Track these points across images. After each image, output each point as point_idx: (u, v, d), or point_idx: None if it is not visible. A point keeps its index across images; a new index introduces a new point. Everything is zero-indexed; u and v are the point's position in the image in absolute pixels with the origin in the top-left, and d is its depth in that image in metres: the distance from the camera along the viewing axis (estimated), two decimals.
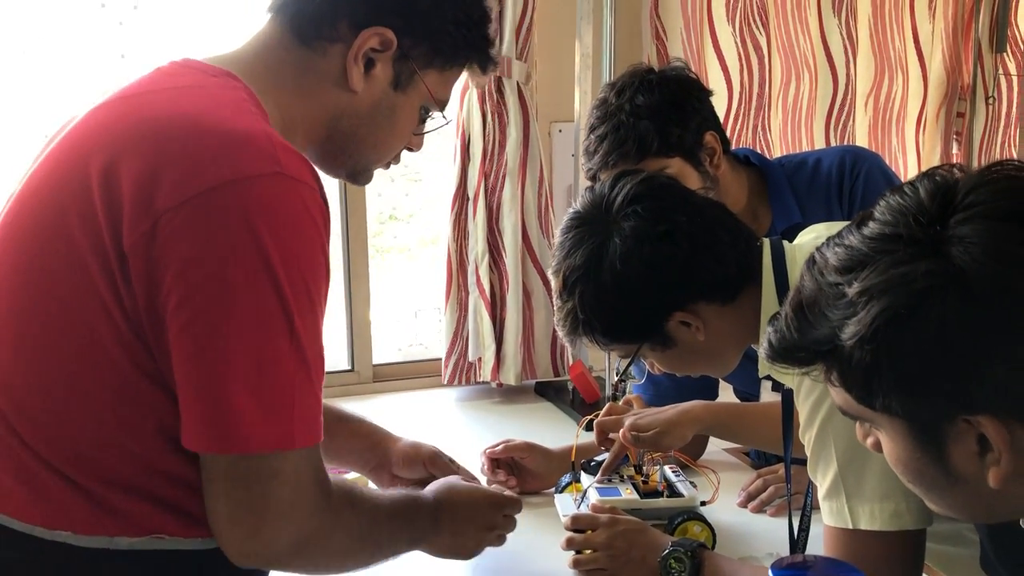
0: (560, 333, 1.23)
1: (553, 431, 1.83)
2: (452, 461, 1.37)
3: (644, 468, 1.38)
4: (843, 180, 1.56)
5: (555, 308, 1.22)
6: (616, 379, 2.04)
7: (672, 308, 1.15)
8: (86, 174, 0.87)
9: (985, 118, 2.63)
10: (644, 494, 1.33)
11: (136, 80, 0.99)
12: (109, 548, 0.87)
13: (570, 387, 2.11)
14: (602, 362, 2.24)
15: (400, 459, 1.34)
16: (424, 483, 1.23)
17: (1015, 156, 2.70)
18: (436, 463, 1.35)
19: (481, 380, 2.17)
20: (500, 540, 1.21)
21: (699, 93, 1.55)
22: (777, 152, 2.40)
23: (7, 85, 1.89)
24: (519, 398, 2.17)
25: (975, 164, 2.68)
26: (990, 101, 2.63)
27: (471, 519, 1.17)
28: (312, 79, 1.00)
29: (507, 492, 1.30)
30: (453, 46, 1.04)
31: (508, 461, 1.55)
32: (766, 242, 1.22)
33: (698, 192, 1.35)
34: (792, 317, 0.76)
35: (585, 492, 1.34)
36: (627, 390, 2.02)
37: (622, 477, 1.38)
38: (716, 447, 1.74)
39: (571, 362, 2.19)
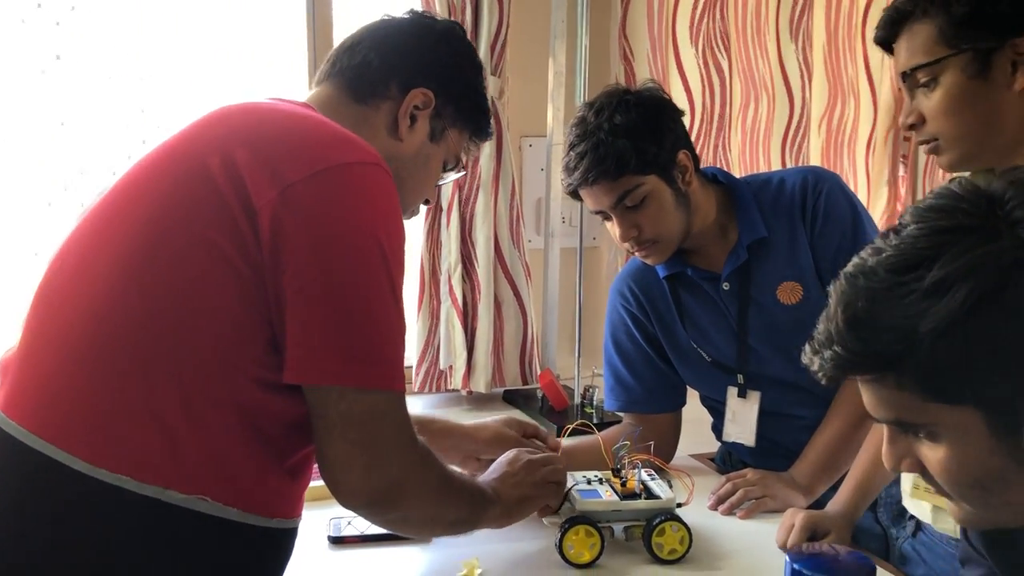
0: None
1: None
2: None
3: (622, 471, 1.44)
4: (806, 198, 1.64)
5: None
6: (585, 388, 2.12)
7: None
8: (204, 163, 1.00)
9: None
10: (623, 496, 1.39)
11: (231, 104, 1.13)
12: (160, 499, 0.93)
13: (539, 395, 2.17)
14: (569, 371, 2.31)
15: (486, 442, 1.53)
16: None
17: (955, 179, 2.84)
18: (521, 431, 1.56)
19: (452, 388, 2.22)
20: (556, 472, 1.38)
21: (673, 113, 1.63)
22: (736, 171, 2.49)
23: None
24: (488, 405, 2.22)
25: (920, 185, 2.82)
26: None
27: (508, 467, 1.34)
28: (367, 130, 1.16)
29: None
30: (470, 109, 1.27)
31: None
32: None
33: None
34: (847, 331, 0.76)
35: (567, 494, 1.40)
36: (594, 398, 2.10)
37: (600, 480, 1.44)
38: (683, 452, 1.81)
39: (540, 371, 2.25)
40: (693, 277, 1.68)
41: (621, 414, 1.84)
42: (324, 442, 1.00)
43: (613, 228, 1.63)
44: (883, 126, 2.70)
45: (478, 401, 2.24)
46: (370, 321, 1.00)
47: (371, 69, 1.19)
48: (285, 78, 2.15)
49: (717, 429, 1.82)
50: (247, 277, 0.97)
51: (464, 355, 2.18)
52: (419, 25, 1.25)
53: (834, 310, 0.79)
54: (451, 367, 2.20)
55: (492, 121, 1.33)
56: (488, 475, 1.33)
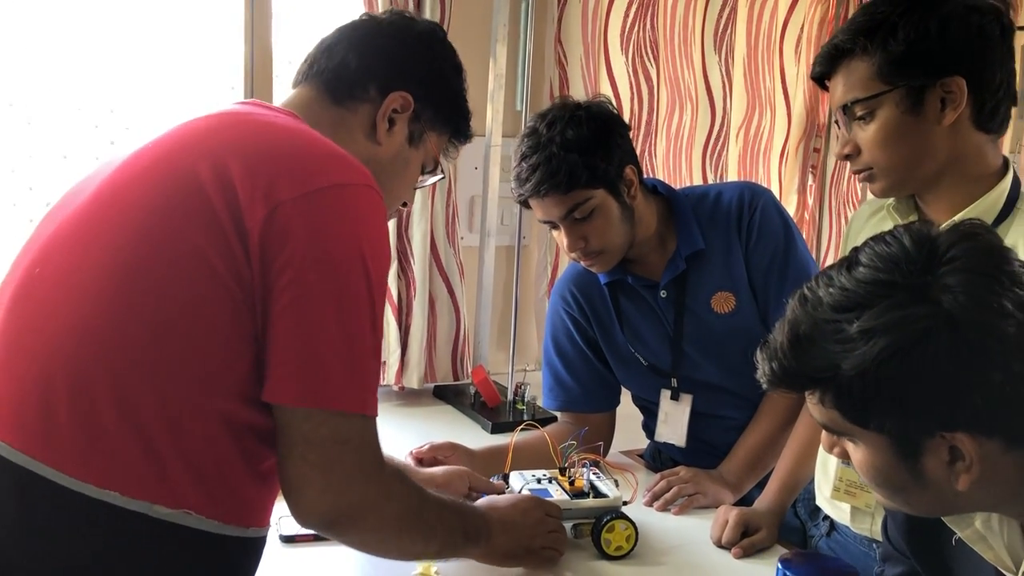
0: None
1: (456, 432, 1.92)
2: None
3: (569, 471, 1.50)
4: (742, 213, 1.73)
5: None
6: (517, 385, 2.17)
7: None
8: (196, 177, 0.98)
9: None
10: (573, 495, 1.45)
11: (216, 111, 1.12)
12: (147, 514, 0.93)
13: (472, 391, 2.21)
14: (499, 367, 2.36)
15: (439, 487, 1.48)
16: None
17: (858, 188, 3.02)
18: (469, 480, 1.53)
19: (384, 384, 2.23)
20: (557, 539, 1.36)
21: (621, 129, 1.68)
22: (660, 176, 2.58)
23: None
24: (419, 401, 2.25)
25: (827, 193, 2.98)
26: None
27: (517, 516, 1.32)
28: (344, 133, 1.16)
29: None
30: (449, 112, 1.26)
31: (431, 461, 1.63)
32: None
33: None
34: (789, 349, 0.87)
35: (519, 493, 1.44)
36: (526, 394, 2.16)
37: (550, 480, 1.49)
38: (614, 449, 1.88)
39: (472, 367, 2.29)
40: (633, 285, 1.75)
41: (558, 413, 1.90)
42: (284, 460, 1.00)
43: (561, 237, 1.68)
44: (795, 137, 2.84)
45: (409, 397, 2.26)
46: (346, 345, 0.99)
47: (349, 71, 1.18)
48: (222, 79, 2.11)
49: (648, 428, 1.91)
50: (236, 295, 0.96)
51: (398, 351, 2.20)
52: (399, 26, 1.23)
53: (784, 325, 0.91)
54: (384, 363, 2.21)
55: (471, 121, 1.30)
56: (493, 510, 1.30)
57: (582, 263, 1.71)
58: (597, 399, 1.84)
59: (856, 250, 0.91)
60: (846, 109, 1.31)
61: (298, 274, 0.96)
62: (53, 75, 1.90)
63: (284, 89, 1.24)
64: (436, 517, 1.15)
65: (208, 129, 1.06)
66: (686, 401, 1.77)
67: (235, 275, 0.96)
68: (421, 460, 1.63)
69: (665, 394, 1.79)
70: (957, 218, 1.28)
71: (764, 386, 0.92)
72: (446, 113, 1.25)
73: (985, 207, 1.29)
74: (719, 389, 1.74)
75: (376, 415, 1.04)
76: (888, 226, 1.41)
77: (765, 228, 1.71)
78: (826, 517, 1.61)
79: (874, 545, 1.47)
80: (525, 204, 1.68)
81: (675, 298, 1.73)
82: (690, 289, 1.72)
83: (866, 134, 1.30)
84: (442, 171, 1.31)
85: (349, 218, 1.00)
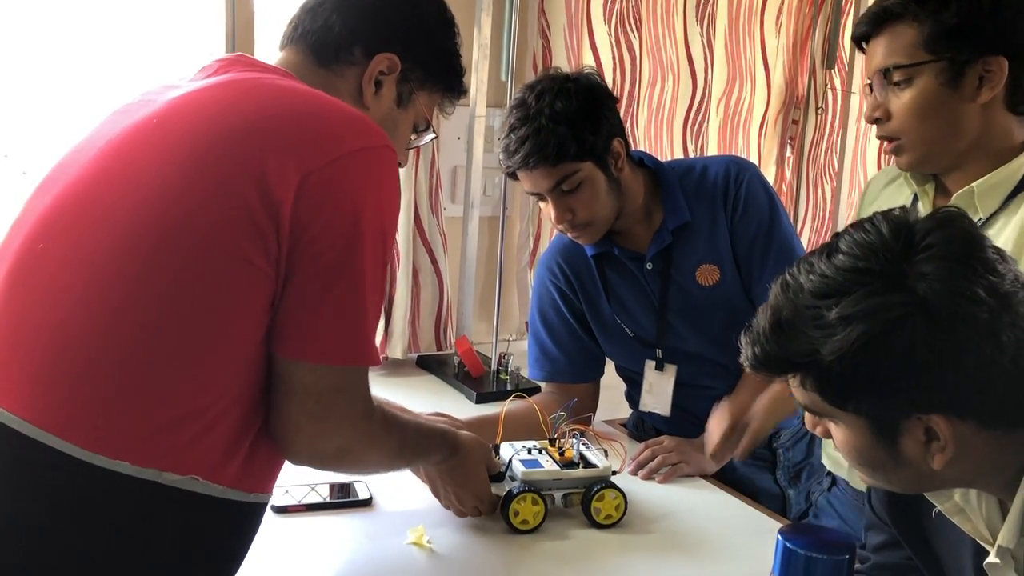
0: None
1: (440, 402, 1.95)
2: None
3: (558, 442, 1.52)
4: (728, 187, 1.74)
5: None
6: (501, 355, 2.19)
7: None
8: (219, 149, 0.98)
9: (815, 126, 2.96)
10: (563, 465, 1.47)
11: (222, 79, 1.10)
12: (157, 481, 0.94)
13: (456, 360, 2.22)
14: (481, 338, 2.37)
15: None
16: None
17: (835, 161, 3.05)
18: None
19: None
20: (475, 511, 1.43)
21: (609, 102, 1.69)
22: (642, 147, 2.60)
23: None
24: (402, 371, 2.26)
25: (805, 165, 3.01)
26: (819, 111, 2.96)
27: (470, 475, 1.40)
28: (333, 96, 1.11)
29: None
30: (440, 70, 1.23)
31: None
32: None
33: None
34: (770, 333, 0.90)
35: (509, 463, 1.47)
36: (508, 365, 2.18)
37: (540, 450, 1.52)
38: (597, 419, 1.91)
39: (455, 338, 2.30)
40: (619, 257, 1.77)
41: (542, 384, 1.92)
42: (280, 405, 1.02)
43: (548, 209, 1.68)
44: (774, 109, 2.87)
45: (393, 367, 2.27)
46: (357, 303, 1.02)
47: (333, 34, 1.16)
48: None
49: (631, 398, 1.93)
50: (261, 268, 0.97)
51: (382, 321, 2.20)
52: None
53: (767, 310, 0.93)
54: None
55: (464, 76, 1.28)
56: (466, 448, 1.38)
57: (569, 235, 1.73)
58: (582, 370, 1.87)
59: (837, 236, 0.93)
60: (885, 73, 1.31)
61: (327, 243, 0.99)
62: (29, 46, 1.87)
63: (265, 56, 1.21)
64: (412, 451, 1.27)
65: (223, 101, 1.05)
66: (670, 371, 1.79)
67: (263, 250, 0.97)
68: None
69: (650, 365, 1.81)
70: (975, 184, 1.30)
71: (747, 369, 0.95)
72: (436, 72, 1.23)
73: (1003, 177, 1.29)
74: (702, 360, 1.77)
75: (377, 362, 1.08)
76: (905, 194, 1.45)
77: (750, 202, 1.72)
78: (828, 473, 1.65)
79: (867, 501, 1.51)
80: (513, 176, 1.69)
81: (661, 270, 1.75)
82: (676, 261, 1.74)
83: (900, 101, 1.31)
84: (434, 130, 1.30)
85: (375, 184, 1.03)
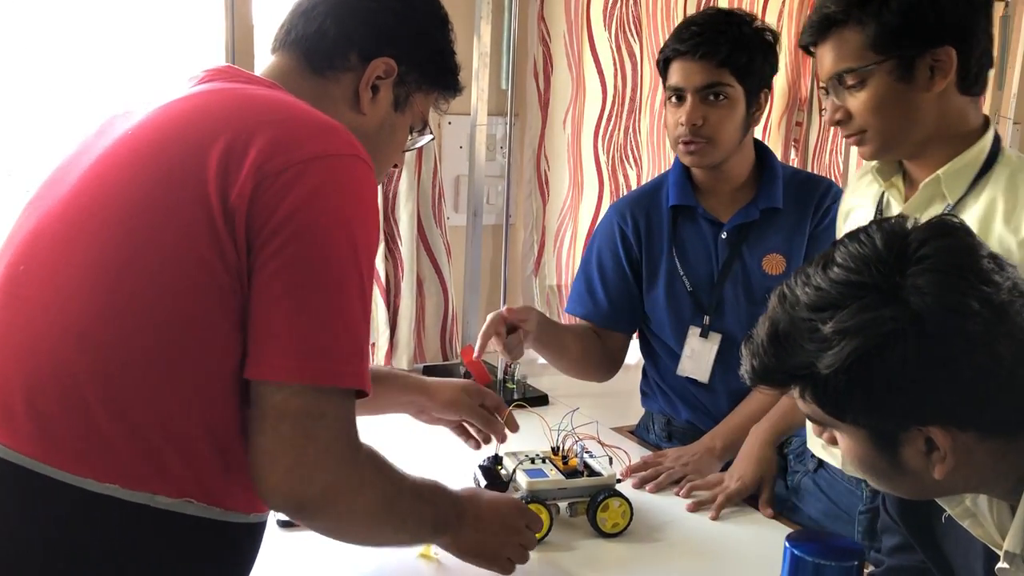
0: None
1: None
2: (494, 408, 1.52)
3: (562, 450, 1.51)
4: (824, 198, 1.80)
5: None
6: (507, 364, 2.18)
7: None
8: (180, 162, 0.96)
9: (818, 128, 2.95)
10: (567, 474, 1.46)
11: (199, 89, 1.08)
12: (149, 505, 0.93)
13: (461, 370, 2.21)
14: (489, 345, 2.36)
15: (441, 403, 1.51)
16: (458, 427, 1.52)
17: (840, 162, 3.04)
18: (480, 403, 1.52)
19: (374, 365, 2.23)
20: (523, 553, 1.26)
21: (776, 58, 1.77)
22: (644, 152, 2.59)
23: None
24: None
25: (809, 167, 2.99)
26: (823, 113, 2.94)
27: (494, 518, 1.24)
28: (327, 103, 1.11)
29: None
30: (435, 71, 1.21)
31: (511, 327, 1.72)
32: None
33: None
34: (768, 345, 0.90)
35: (513, 473, 1.46)
36: (515, 374, 2.17)
37: (543, 459, 1.51)
38: (604, 427, 1.89)
39: (460, 347, 2.30)
40: (700, 216, 1.82)
41: (578, 319, 1.94)
42: (254, 434, 0.95)
43: (677, 112, 1.74)
44: (778, 111, 2.85)
45: None
46: (330, 317, 0.96)
47: (328, 40, 1.13)
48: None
49: (647, 388, 1.96)
50: (224, 283, 0.94)
51: (387, 332, 2.20)
52: None
53: (765, 321, 0.93)
54: (373, 344, 2.21)
55: (459, 75, 1.24)
56: (472, 503, 1.23)
57: (683, 149, 1.76)
58: (619, 319, 1.91)
59: (834, 246, 0.93)
60: (839, 78, 1.33)
61: (282, 245, 0.94)
62: (29, 55, 1.87)
63: (263, 65, 1.19)
64: (408, 508, 1.10)
65: (194, 110, 1.03)
66: (714, 340, 1.82)
67: (223, 261, 0.93)
68: (504, 320, 1.69)
69: (694, 331, 1.84)
70: (940, 172, 1.32)
71: (747, 382, 0.94)
72: (432, 72, 1.20)
73: (966, 162, 1.32)
74: (737, 343, 1.77)
75: (363, 386, 0.99)
76: (875, 189, 1.46)
77: (833, 220, 1.75)
78: (813, 456, 1.64)
79: (863, 484, 1.49)
80: (666, 64, 1.76)
81: (735, 242, 1.80)
82: (751, 240, 1.80)
83: (857, 101, 1.33)
84: (431, 131, 1.27)
85: (336, 190, 0.97)
